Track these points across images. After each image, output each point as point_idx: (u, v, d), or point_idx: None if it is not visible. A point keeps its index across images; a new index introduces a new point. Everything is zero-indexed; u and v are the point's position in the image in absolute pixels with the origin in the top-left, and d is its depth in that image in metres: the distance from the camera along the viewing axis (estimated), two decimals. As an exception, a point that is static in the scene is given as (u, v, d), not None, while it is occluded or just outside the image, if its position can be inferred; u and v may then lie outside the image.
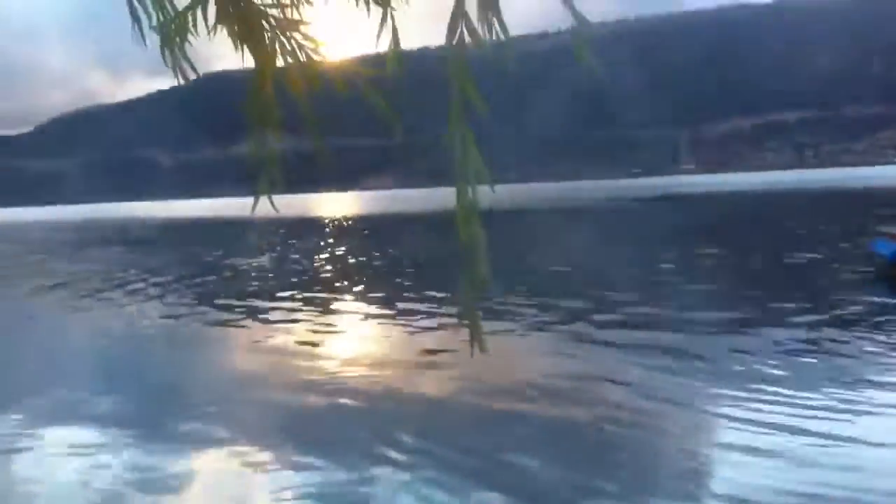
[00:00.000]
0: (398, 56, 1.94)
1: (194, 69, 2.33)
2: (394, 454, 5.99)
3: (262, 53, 1.99)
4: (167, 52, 2.30)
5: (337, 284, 17.07)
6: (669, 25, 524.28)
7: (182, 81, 2.32)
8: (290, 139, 2.21)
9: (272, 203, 2.09)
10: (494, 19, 1.59)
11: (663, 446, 6.25)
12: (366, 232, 40.93)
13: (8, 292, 18.30)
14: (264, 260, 24.29)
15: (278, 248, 29.55)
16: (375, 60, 2.05)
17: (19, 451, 6.57)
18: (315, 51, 2.00)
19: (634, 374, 8.16)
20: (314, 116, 2.11)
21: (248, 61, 2.11)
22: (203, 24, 2.18)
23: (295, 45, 2.00)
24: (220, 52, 2.32)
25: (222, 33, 2.23)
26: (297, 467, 5.86)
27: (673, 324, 10.81)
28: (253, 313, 13.21)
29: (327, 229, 42.51)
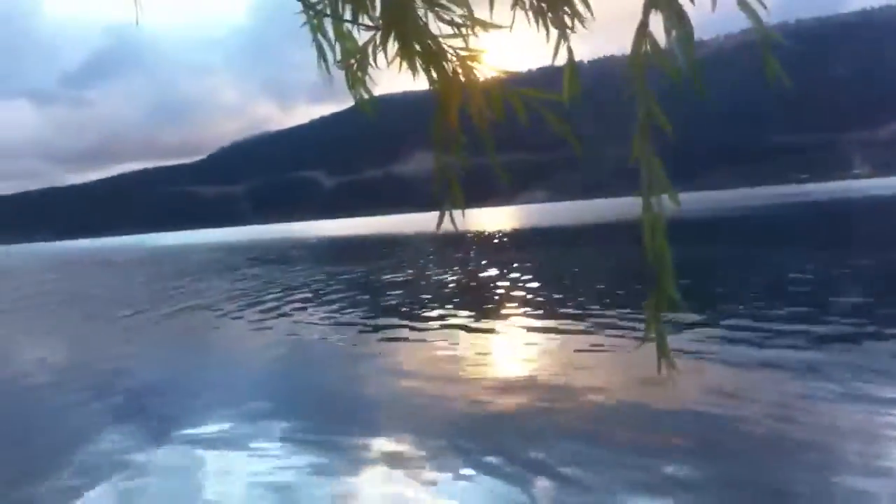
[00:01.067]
0: (575, 78, 1.98)
1: (372, 96, 2.45)
2: (587, 478, 5.85)
3: (445, 82, 2.07)
4: (350, 83, 2.43)
5: (499, 298, 17.11)
6: (832, 27, 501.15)
7: (364, 109, 2.44)
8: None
9: (453, 221, 2.16)
10: (680, 34, 1.61)
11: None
12: (522, 245, 40.95)
13: (149, 314, 19.24)
14: (425, 273, 24.67)
15: (439, 262, 29.98)
16: (544, 74, 2.10)
17: (203, 462, 6.89)
18: (497, 78, 2.07)
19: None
20: (492, 139, 2.17)
21: (421, 85, 2.20)
22: (383, 55, 2.30)
23: (476, 73, 2.07)
24: (379, 76, 2.42)
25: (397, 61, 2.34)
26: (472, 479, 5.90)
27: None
28: (416, 326, 13.44)
29: (487, 243, 42.76)
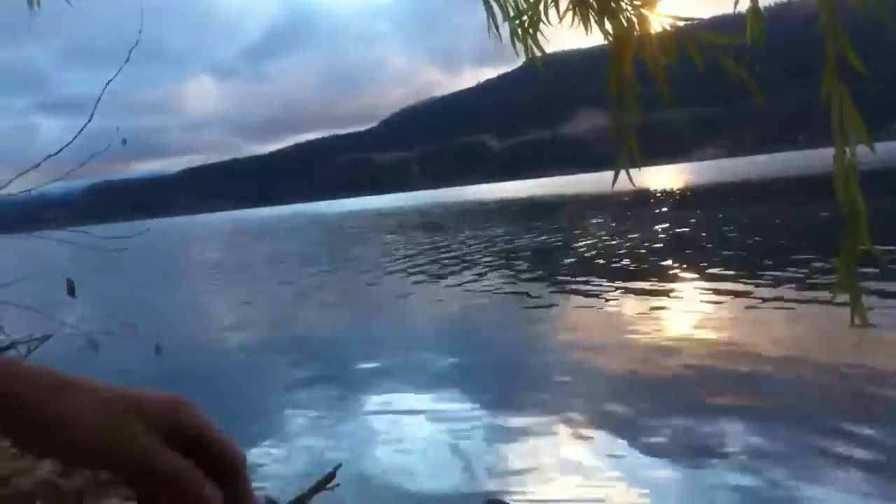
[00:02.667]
0: (759, 20, 1.89)
1: (543, 52, 2.42)
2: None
3: (620, 32, 2.03)
4: (520, 40, 2.42)
5: (675, 257, 16.68)
6: None
7: (535, 67, 2.42)
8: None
9: (630, 178, 2.12)
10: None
11: None
12: (700, 202, 39.66)
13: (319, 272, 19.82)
14: (595, 234, 24.36)
15: (610, 222, 29.55)
16: (717, 24, 2.01)
17: (379, 414, 7.12)
18: (672, 26, 2.00)
19: None
20: (669, 88, 2.11)
21: (590, 42, 2.16)
22: (555, 10, 2.27)
23: (652, 20, 2.01)
24: (546, 36, 2.38)
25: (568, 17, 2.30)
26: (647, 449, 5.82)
27: None
28: (587, 288, 13.32)
29: (661, 201, 41.73)
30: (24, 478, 3.58)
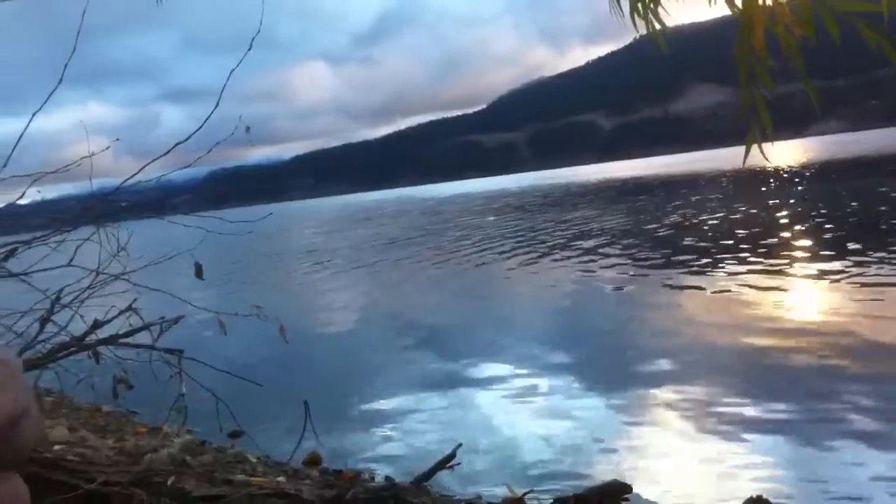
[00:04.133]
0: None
1: (665, 27, 2.38)
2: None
3: (751, 2, 1.97)
4: (637, 18, 2.38)
5: (790, 235, 16.16)
6: None
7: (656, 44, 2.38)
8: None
9: (763, 152, 2.06)
10: None
11: None
12: (822, 178, 38.19)
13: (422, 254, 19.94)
14: (712, 213, 23.78)
15: (729, 200, 28.77)
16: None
17: (483, 393, 7.17)
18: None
19: None
20: (802, 60, 2.04)
21: (707, 15, 2.11)
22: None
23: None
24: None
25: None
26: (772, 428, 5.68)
27: None
28: (700, 268, 13.04)
29: (777, 177, 40.39)
30: (157, 454, 3.75)
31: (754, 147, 2.10)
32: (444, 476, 3.89)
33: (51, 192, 4.99)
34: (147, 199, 5.30)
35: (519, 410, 6.63)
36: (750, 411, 5.92)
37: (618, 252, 16.93)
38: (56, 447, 3.81)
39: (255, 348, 8.36)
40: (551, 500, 2.99)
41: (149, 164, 4.56)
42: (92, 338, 4.63)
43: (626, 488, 3.38)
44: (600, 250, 17.61)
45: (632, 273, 13.64)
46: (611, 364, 7.81)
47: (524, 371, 7.85)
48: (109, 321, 4.81)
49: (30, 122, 4.55)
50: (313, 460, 5.17)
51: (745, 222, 20.17)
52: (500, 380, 7.66)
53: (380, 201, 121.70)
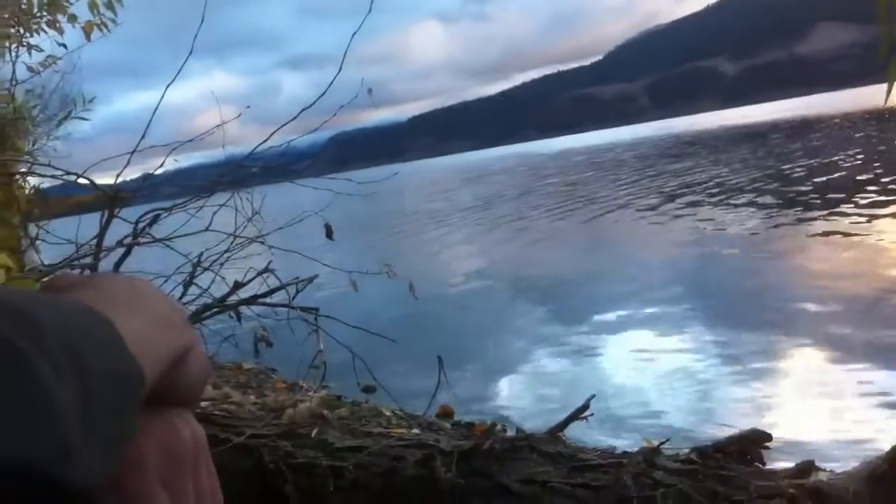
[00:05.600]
0: None
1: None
2: None
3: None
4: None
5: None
6: None
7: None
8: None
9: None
10: None
11: None
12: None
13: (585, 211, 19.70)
14: (847, 156, 22.67)
15: (864, 143, 27.35)
16: None
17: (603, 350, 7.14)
18: None
19: None
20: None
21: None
22: None
23: None
24: None
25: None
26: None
27: None
28: (835, 212, 12.50)
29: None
30: (297, 409, 3.88)
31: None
32: (577, 427, 3.89)
33: (183, 160, 5.20)
34: (275, 165, 5.46)
35: (648, 362, 6.58)
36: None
37: (746, 200, 16.43)
38: (203, 403, 3.99)
39: (386, 305, 8.55)
40: (689, 450, 2.95)
41: (278, 129, 4.69)
42: (233, 298, 4.82)
43: (766, 436, 3.29)
44: (728, 199, 17.14)
45: (761, 220, 13.24)
46: (742, 314, 7.63)
47: (652, 322, 7.77)
48: (248, 282, 5.00)
49: (164, 94, 4.74)
50: (446, 413, 5.27)
51: (887, 165, 19.16)
52: (626, 332, 7.61)
53: (497, 158, 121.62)
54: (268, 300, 4.88)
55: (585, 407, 3.90)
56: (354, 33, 5.11)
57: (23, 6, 4.90)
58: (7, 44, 4.76)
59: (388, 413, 4.70)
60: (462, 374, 6.51)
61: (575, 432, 3.99)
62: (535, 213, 21.00)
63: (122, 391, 0.45)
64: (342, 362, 4.87)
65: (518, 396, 6.28)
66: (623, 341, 7.32)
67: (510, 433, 4.09)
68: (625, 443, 4.30)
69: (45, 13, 4.97)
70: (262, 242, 5.08)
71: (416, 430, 3.79)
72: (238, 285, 4.88)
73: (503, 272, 12.66)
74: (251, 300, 4.86)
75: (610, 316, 8.26)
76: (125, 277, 0.60)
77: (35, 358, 0.37)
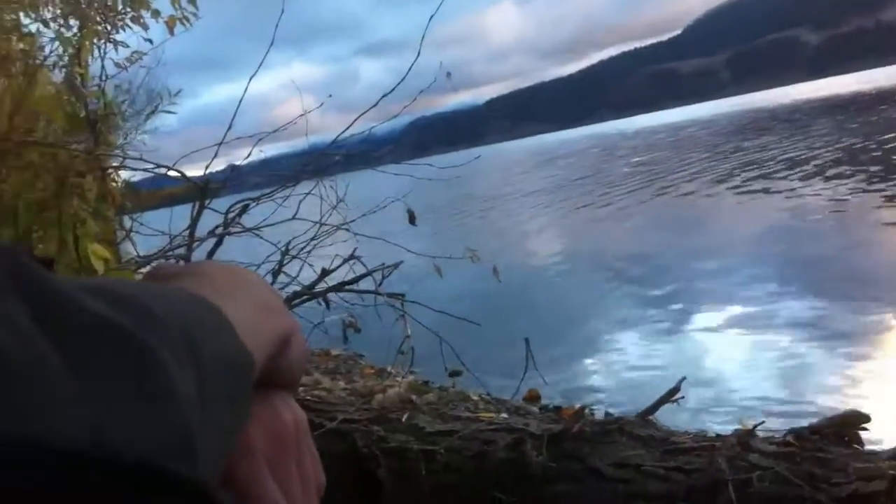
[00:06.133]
0: None
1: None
2: None
3: None
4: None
5: None
6: None
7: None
8: None
9: None
10: None
11: None
12: None
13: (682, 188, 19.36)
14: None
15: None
16: None
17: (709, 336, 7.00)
18: None
19: None
20: None
21: None
22: None
23: None
24: None
25: None
26: None
27: None
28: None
29: None
30: (386, 394, 3.92)
31: None
32: (668, 410, 3.84)
33: (266, 150, 5.29)
34: (356, 152, 5.52)
35: (739, 345, 6.46)
36: None
37: (836, 174, 15.93)
38: (295, 389, 4.07)
39: (471, 290, 8.56)
40: (785, 432, 2.89)
41: (359, 117, 4.74)
42: (321, 286, 4.90)
43: (865, 418, 3.20)
44: (817, 173, 16.66)
45: (854, 195, 12.82)
46: (842, 290, 7.40)
47: (745, 300, 7.61)
48: (335, 269, 5.07)
49: (247, 86, 4.83)
50: (533, 396, 5.26)
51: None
52: (718, 311, 7.47)
53: (575, 139, 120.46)
54: (355, 287, 4.95)
55: (676, 389, 3.85)
56: (431, 17, 5.12)
57: (108, 3, 5.04)
58: (95, 41, 4.89)
59: (475, 397, 4.71)
60: (549, 357, 6.49)
61: (666, 415, 3.94)
62: (614, 193, 20.75)
63: (235, 378, 0.46)
64: (428, 347, 4.91)
65: (606, 379, 6.24)
66: (715, 320, 7.19)
67: (599, 416, 4.07)
68: (718, 426, 4.24)
69: (129, 9, 5.10)
70: (348, 230, 5.14)
71: (504, 415, 3.80)
72: (325, 272, 4.96)
73: (586, 253, 12.56)
74: (339, 287, 4.93)
75: (700, 294, 8.12)
76: (226, 265, 0.61)
77: (158, 348, 0.38)
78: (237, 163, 5.40)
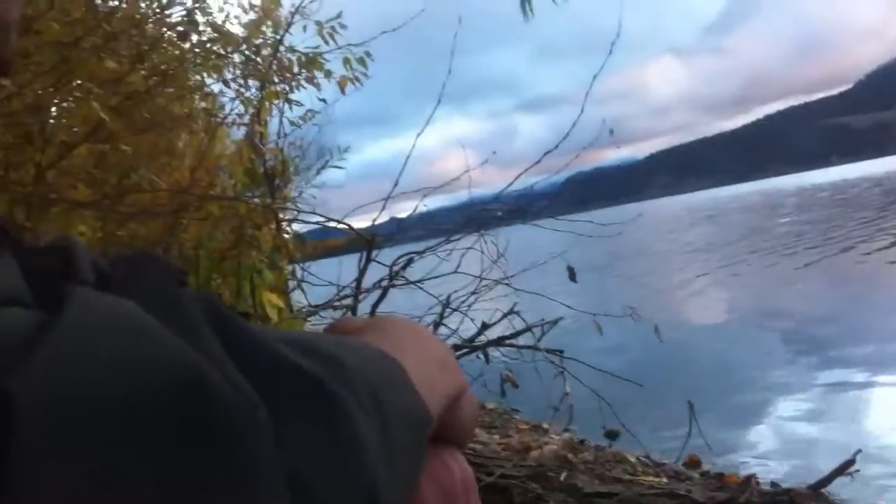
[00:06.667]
0: None
1: None
2: None
3: None
4: None
5: None
6: None
7: None
8: None
9: None
10: None
11: None
12: None
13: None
14: None
15: None
16: None
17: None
18: None
19: None
20: None
21: None
22: None
23: None
24: None
25: None
26: None
27: None
28: None
29: None
30: (541, 451, 3.89)
31: None
32: (841, 483, 3.64)
33: (427, 203, 5.41)
34: (515, 207, 5.57)
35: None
36: None
37: None
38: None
39: (630, 348, 8.40)
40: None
41: (523, 173, 4.81)
42: (481, 339, 4.94)
43: None
44: None
45: None
46: None
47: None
48: (495, 323, 5.10)
49: (414, 143, 5.00)
50: (694, 462, 5.08)
51: None
52: (889, 378, 7.03)
53: (738, 195, 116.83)
54: (514, 341, 4.96)
55: (851, 462, 3.64)
56: (595, 76, 5.15)
57: (285, 64, 5.32)
58: (276, 100, 5.17)
59: (633, 459, 4.60)
60: (709, 420, 6.27)
61: (838, 489, 3.74)
62: (776, 253, 19.93)
63: (415, 434, 0.47)
64: (584, 404, 4.84)
65: (770, 446, 5.95)
66: (886, 390, 6.77)
67: (766, 486, 3.89)
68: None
69: (304, 71, 5.36)
70: (508, 284, 5.17)
71: (664, 479, 3.70)
72: (485, 326, 5.00)
73: (748, 313, 12.09)
74: (499, 341, 4.95)
75: (868, 360, 7.66)
76: (405, 320, 0.63)
77: (347, 400, 0.39)
78: (400, 216, 5.55)
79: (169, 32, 4.16)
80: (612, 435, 5.33)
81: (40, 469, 0.27)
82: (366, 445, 0.39)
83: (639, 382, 4.85)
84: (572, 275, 5.34)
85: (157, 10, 4.20)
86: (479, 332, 4.99)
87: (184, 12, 4.03)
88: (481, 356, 5.02)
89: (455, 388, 0.57)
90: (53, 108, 3.71)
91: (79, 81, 3.42)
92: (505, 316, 5.14)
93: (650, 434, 5.39)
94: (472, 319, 5.11)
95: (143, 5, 4.22)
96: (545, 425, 5.53)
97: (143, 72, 3.97)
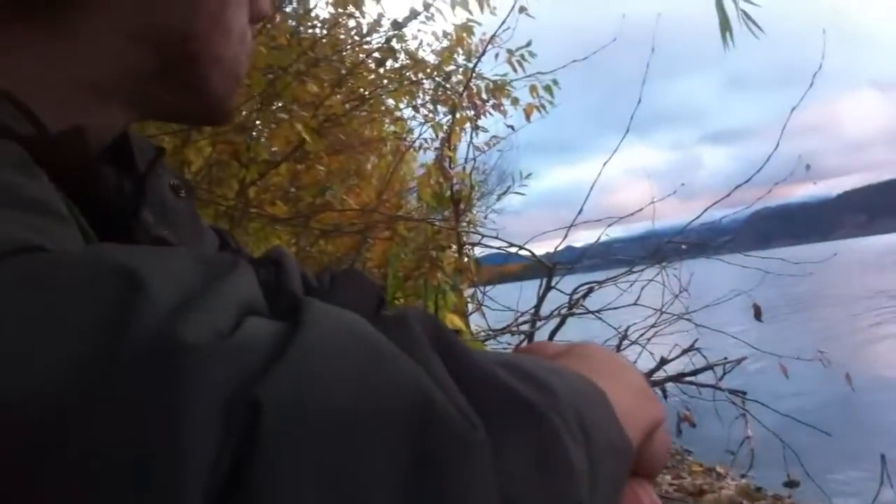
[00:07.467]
0: None
1: None
2: None
3: None
4: None
5: None
6: None
7: None
8: None
9: None
10: None
11: None
12: None
13: None
14: None
15: None
16: None
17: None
18: None
19: None
20: None
21: None
22: None
23: None
24: None
25: None
26: None
27: None
28: None
29: None
30: (715, 495, 3.76)
31: None
32: None
33: (605, 232, 5.31)
34: (698, 240, 5.42)
35: None
36: None
37: None
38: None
39: (818, 394, 7.92)
40: None
41: (712, 206, 4.68)
42: (659, 374, 4.82)
43: None
44: None
45: None
46: None
47: None
48: (674, 359, 4.96)
49: (600, 172, 4.97)
50: (880, 519, 4.74)
51: None
52: None
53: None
54: (695, 379, 4.81)
55: None
56: (793, 109, 4.94)
57: (474, 90, 5.41)
58: (466, 126, 5.27)
59: (813, 512, 4.37)
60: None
61: None
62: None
63: (617, 463, 0.46)
64: (762, 451, 4.63)
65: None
66: None
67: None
68: None
69: (491, 97, 5.43)
70: (689, 320, 5.02)
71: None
72: (664, 361, 4.87)
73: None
74: (678, 377, 4.82)
75: None
76: (604, 348, 0.62)
77: (559, 425, 0.39)
78: (575, 244, 5.51)
79: (367, 59, 4.32)
80: (792, 485, 5.07)
81: (283, 477, 0.28)
82: (576, 469, 0.39)
83: (827, 432, 4.58)
84: (758, 313, 5.13)
85: (357, 38, 4.38)
86: (658, 367, 4.87)
87: (381, 39, 4.17)
88: (658, 392, 4.89)
89: (653, 418, 0.56)
90: (254, 130, 3.93)
91: (281, 103, 3.61)
92: (685, 352, 4.99)
93: (836, 487, 5.09)
94: (651, 353, 4.99)
95: (342, 33, 4.42)
96: (720, 469, 5.33)
97: (339, 95, 4.14)
